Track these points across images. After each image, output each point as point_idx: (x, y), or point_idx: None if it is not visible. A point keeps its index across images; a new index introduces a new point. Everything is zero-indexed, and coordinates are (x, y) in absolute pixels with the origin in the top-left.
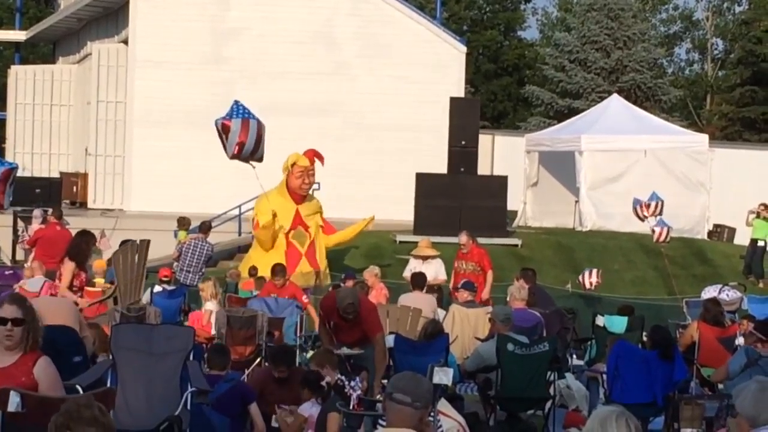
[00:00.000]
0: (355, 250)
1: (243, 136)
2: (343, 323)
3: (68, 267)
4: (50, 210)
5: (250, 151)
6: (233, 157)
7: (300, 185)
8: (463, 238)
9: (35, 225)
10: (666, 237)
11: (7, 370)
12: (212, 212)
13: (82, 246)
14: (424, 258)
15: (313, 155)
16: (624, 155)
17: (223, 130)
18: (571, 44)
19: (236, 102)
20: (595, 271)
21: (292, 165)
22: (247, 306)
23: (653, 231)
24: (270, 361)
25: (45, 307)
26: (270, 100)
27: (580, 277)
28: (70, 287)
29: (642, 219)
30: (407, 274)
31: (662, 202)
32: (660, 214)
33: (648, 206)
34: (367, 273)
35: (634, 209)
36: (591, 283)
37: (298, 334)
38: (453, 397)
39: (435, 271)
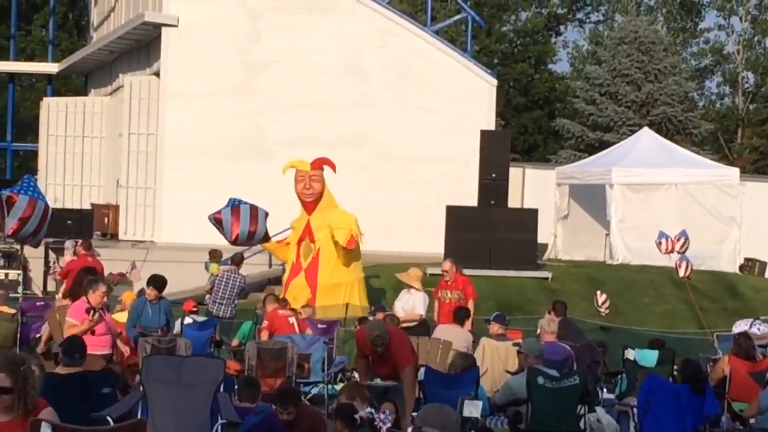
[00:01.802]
0: (384, 283)
1: (235, 226)
2: (376, 355)
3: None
4: (79, 242)
5: (246, 236)
6: (233, 243)
7: (301, 190)
8: (447, 264)
9: (67, 257)
10: (690, 272)
11: (9, 425)
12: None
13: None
14: (409, 287)
15: (320, 163)
16: (655, 188)
17: (217, 223)
18: (601, 77)
19: (230, 198)
20: (603, 295)
21: (296, 171)
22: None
23: (678, 266)
24: (278, 404)
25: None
26: (298, 132)
27: (596, 300)
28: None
29: (666, 253)
30: (398, 306)
31: (689, 240)
32: (684, 251)
33: (678, 240)
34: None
35: (658, 243)
36: (603, 305)
37: (326, 370)
38: (483, 431)
39: (413, 303)
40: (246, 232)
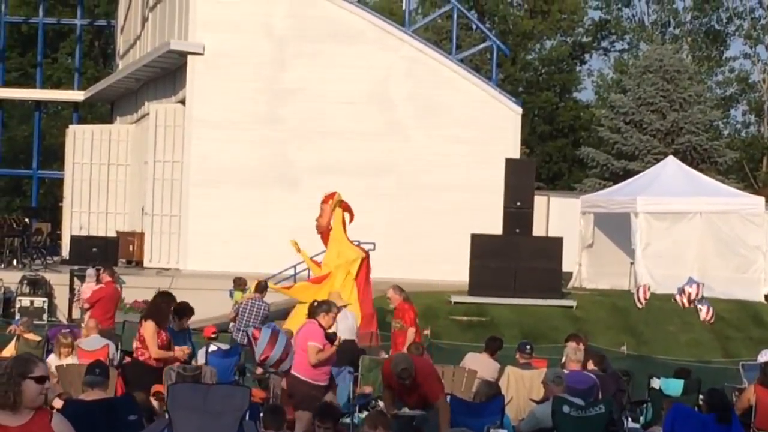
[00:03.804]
0: None
1: (268, 351)
2: (402, 387)
3: (149, 327)
4: (102, 269)
5: (274, 363)
6: (258, 365)
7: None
8: (389, 292)
9: (91, 284)
10: (712, 316)
11: (26, 427)
12: (267, 272)
13: (162, 306)
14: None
15: (326, 198)
16: (679, 217)
17: (252, 339)
18: (626, 106)
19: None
20: (642, 288)
21: None
22: None
23: (699, 311)
24: (317, 418)
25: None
26: (324, 160)
27: (636, 292)
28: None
29: (687, 306)
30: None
31: (701, 285)
32: (702, 297)
33: (687, 292)
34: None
35: (674, 299)
36: (645, 299)
37: (352, 400)
38: None
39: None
40: (275, 359)
